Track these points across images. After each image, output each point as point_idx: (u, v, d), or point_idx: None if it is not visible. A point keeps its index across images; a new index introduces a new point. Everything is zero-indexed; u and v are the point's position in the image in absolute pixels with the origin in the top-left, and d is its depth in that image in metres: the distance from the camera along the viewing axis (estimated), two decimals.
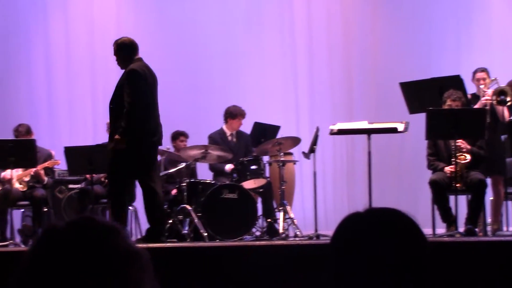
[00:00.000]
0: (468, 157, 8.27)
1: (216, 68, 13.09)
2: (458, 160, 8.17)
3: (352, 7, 13.30)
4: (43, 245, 1.58)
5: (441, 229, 8.50)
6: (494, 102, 8.77)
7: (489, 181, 8.61)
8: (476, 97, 9.28)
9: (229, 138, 10.42)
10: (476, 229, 8.17)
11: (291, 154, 10.37)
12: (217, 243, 8.43)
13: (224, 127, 10.46)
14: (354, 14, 13.29)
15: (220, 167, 10.20)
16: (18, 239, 9.46)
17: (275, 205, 9.85)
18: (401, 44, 12.96)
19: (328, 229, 9.44)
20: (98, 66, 13.23)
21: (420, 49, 12.84)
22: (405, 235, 1.76)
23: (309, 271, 5.70)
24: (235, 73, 13.11)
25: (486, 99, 8.91)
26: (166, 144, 10.53)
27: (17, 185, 9.51)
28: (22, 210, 10.08)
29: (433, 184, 8.24)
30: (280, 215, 9.39)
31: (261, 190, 9.84)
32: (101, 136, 11.14)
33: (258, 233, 9.62)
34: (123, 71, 7.97)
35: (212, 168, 10.40)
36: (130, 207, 9.83)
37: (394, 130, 8.65)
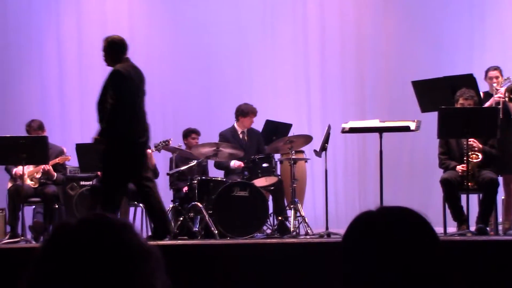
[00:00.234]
0: (480, 156, 8.25)
1: (229, 66, 13.08)
2: (470, 159, 8.14)
3: (365, 5, 13.28)
4: (55, 242, 1.58)
5: (452, 228, 8.48)
6: (507, 99, 8.75)
7: (501, 180, 8.58)
8: (488, 96, 9.26)
9: (241, 136, 10.42)
10: (488, 228, 8.14)
11: (302, 152, 10.36)
12: (227, 241, 8.44)
13: (236, 125, 10.45)
14: (366, 12, 13.26)
15: (224, 163, 10.19)
16: (29, 235, 9.48)
17: (286, 203, 9.85)
18: (414, 43, 12.93)
19: (339, 228, 9.42)
20: None
21: (433, 47, 12.81)
22: (417, 234, 1.75)
23: (320, 269, 5.69)
24: (247, 71, 13.11)
25: (499, 97, 8.88)
26: (178, 142, 10.55)
27: (28, 182, 9.55)
28: (33, 206, 10.10)
29: (444, 182, 8.22)
30: (291, 213, 9.39)
31: (272, 188, 9.84)
32: None
33: (269, 231, 9.62)
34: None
35: (217, 165, 10.39)
36: (140, 204, 9.84)
37: (406, 129, 8.63)
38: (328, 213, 9.13)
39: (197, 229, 9.09)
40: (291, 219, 9.34)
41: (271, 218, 9.73)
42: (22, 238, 8.82)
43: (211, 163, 10.52)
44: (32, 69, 12.93)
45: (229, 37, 13.17)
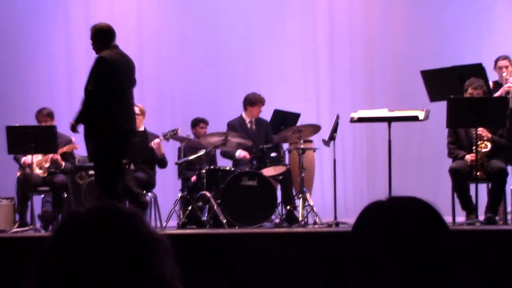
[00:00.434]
0: (489, 145, 8.24)
1: (237, 55, 13.07)
2: (478, 149, 8.13)
3: None
4: (65, 232, 1.59)
5: (461, 218, 8.47)
6: None
7: (510, 169, 8.56)
8: (498, 85, 9.24)
9: (249, 125, 10.42)
10: (496, 218, 8.14)
11: (311, 141, 10.35)
12: (236, 230, 8.44)
13: (244, 115, 10.45)
14: (375, 2, 13.23)
15: (230, 152, 10.19)
16: (38, 224, 9.51)
17: (294, 193, 9.85)
18: (423, 32, 12.89)
19: (347, 217, 9.44)
20: None
21: (442, 37, 12.77)
22: (427, 224, 1.75)
23: (328, 258, 5.70)
24: (256, 60, 13.09)
25: (509, 86, 8.86)
26: (186, 131, 10.55)
27: (37, 171, 9.57)
28: (42, 195, 10.13)
29: (453, 172, 8.21)
30: (300, 203, 9.39)
31: (280, 177, 9.84)
32: None
33: (277, 221, 9.62)
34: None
35: (223, 153, 10.39)
36: (149, 193, 9.87)
37: (414, 118, 8.62)
38: (336, 203, 9.13)
39: (205, 218, 9.10)
40: (300, 208, 9.34)
41: (279, 208, 9.73)
42: (31, 227, 8.86)
43: (219, 152, 10.53)
44: (40, 59, 12.93)
45: (238, 27, 13.15)
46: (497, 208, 8.24)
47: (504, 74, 9.15)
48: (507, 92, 8.81)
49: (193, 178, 9.89)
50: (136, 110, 10.09)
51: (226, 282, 6.00)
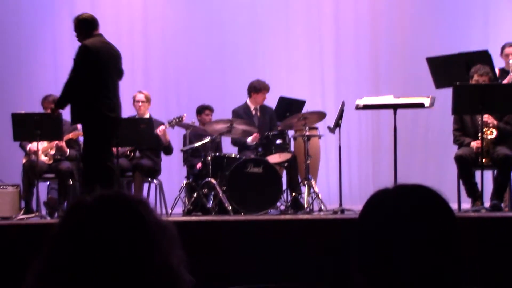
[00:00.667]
0: (495, 132, 8.23)
1: (242, 42, 13.05)
2: (484, 135, 8.12)
3: None
4: (72, 219, 1.59)
5: (466, 204, 8.47)
6: None
7: None
8: (504, 72, 9.21)
9: (253, 112, 10.41)
10: (502, 205, 8.13)
11: (316, 128, 10.34)
12: (241, 217, 8.45)
13: (248, 102, 10.44)
14: None
15: (242, 140, 10.19)
16: (43, 211, 9.53)
17: (300, 180, 9.85)
18: (428, 19, 12.85)
19: (352, 204, 9.43)
20: (123, 39, 13.24)
21: (448, 23, 12.73)
22: (434, 211, 1.75)
23: (334, 245, 5.70)
24: (261, 47, 13.07)
25: None
26: (192, 118, 10.55)
27: (42, 158, 9.58)
28: (48, 182, 10.16)
29: (459, 159, 8.20)
30: (305, 190, 9.39)
31: (286, 164, 9.85)
32: (126, 110, 11.17)
33: (282, 207, 9.63)
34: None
35: (234, 142, 10.40)
36: (154, 180, 9.88)
37: (420, 105, 8.60)
38: (341, 190, 9.13)
39: (211, 205, 9.11)
40: (305, 195, 9.35)
41: (284, 195, 9.74)
42: (37, 214, 8.88)
43: (224, 139, 10.53)
44: (45, 46, 12.94)
45: (243, 13, 13.12)
46: (503, 195, 8.23)
47: (511, 61, 9.11)
48: None
49: (199, 165, 9.90)
50: (142, 97, 10.13)
51: (231, 269, 6.01)
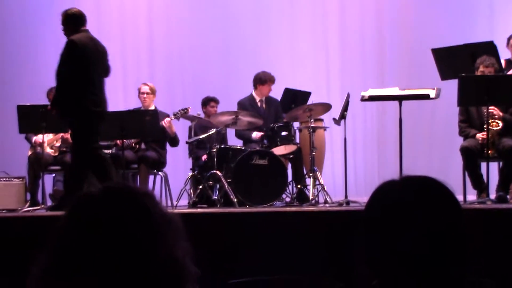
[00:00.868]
0: (500, 123, 8.21)
1: (247, 34, 13.04)
2: (490, 127, 8.10)
3: None
4: (79, 212, 1.59)
5: (472, 196, 8.46)
6: None
7: None
8: (510, 63, 9.19)
9: (259, 104, 10.41)
10: (508, 196, 8.12)
11: (321, 120, 10.33)
12: (246, 209, 8.46)
13: (254, 93, 10.44)
14: None
15: (246, 134, 10.19)
16: (49, 203, 9.54)
17: (305, 171, 9.85)
18: (434, 9, 12.82)
19: (358, 196, 9.43)
20: (128, 31, 13.25)
21: (453, 14, 12.70)
22: (441, 203, 1.75)
23: (339, 237, 5.70)
24: (266, 39, 13.06)
25: None
26: (197, 110, 10.55)
27: (48, 150, 9.60)
28: (53, 174, 10.17)
29: (464, 151, 8.19)
30: (310, 181, 9.39)
31: (291, 156, 9.85)
32: (132, 102, 11.18)
33: (288, 199, 9.63)
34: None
35: (239, 135, 10.40)
36: (160, 173, 9.88)
37: (426, 97, 8.58)
38: (347, 181, 9.12)
39: (216, 197, 9.11)
40: (310, 187, 9.34)
41: (290, 187, 9.75)
42: (43, 206, 8.89)
43: (230, 131, 10.53)
44: (49, 37, 12.93)
45: (248, 5, 13.11)
46: (508, 186, 8.22)
47: None
48: None
49: (204, 157, 9.90)
50: (147, 89, 10.12)
51: (236, 261, 6.01)
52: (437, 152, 12.33)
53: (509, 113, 8.31)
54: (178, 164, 11.66)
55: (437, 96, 8.47)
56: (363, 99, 8.76)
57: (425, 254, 1.69)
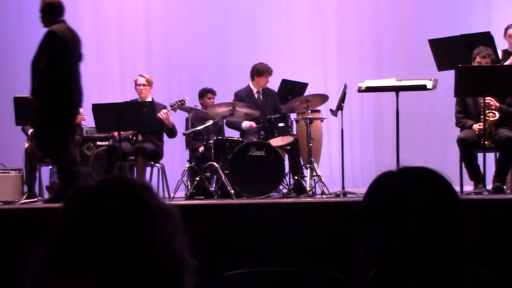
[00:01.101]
0: (497, 114, 8.21)
1: (244, 25, 13.03)
2: (486, 118, 8.11)
3: None
4: (77, 204, 1.59)
5: (469, 187, 8.47)
6: None
7: None
8: (508, 54, 9.20)
9: (256, 95, 10.41)
10: (504, 187, 8.13)
11: (318, 111, 10.34)
12: (244, 200, 8.47)
13: (251, 85, 10.44)
14: None
15: (237, 123, 10.18)
16: (46, 195, 9.54)
17: (302, 163, 9.85)
18: (431, 1, 12.82)
19: (355, 187, 9.45)
20: (125, 23, 13.23)
21: (450, 5, 12.70)
22: (439, 193, 1.75)
23: (336, 228, 5.70)
24: (263, 30, 13.05)
25: None
26: (194, 101, 10.54)
27: None
28: (50, 167, 10.16)
29: (461, 142, 8.19)
30: (307, 173, 9.40)
31: (288, 147, 9.85)
32: (129, 94, 11.17)
33: (285, 191, 9.64)
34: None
35: (229, 124, 10.38)
36: (157, 164, 9.88)
37: (422, 88, 8.58)
38: (344, 173, 9.13)
39: (213, 188, 9.12)
40: (307, 178, 9.35)
41: (287, 178, 9.75)
42: (39, 198, 8.90)
43: (225, 123, 10.53)
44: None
45: None
46: (505, 177, 8.23)
47: None
48: None
49: (201, 149, 9.90)
50: (143, 80, 10.10)
51: (234, 252, 6.01)
52: (434, 143, 12.35)
53: (506, 103, 8.31)
54: (175, 155, 11.66)
55: (434, 87, 8.47)
56: (360, 90, 8.76)
57: (423, 245, 1.69)
